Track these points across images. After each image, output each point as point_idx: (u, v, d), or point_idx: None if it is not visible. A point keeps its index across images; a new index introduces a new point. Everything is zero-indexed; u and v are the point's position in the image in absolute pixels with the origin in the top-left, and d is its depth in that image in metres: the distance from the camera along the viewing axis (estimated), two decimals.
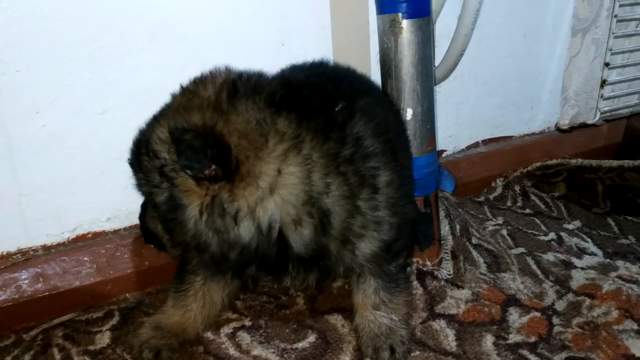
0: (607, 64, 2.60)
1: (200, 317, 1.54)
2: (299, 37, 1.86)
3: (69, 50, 1.56)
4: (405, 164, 1.51)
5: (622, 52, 2.64)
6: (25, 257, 1.66)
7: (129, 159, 1.31)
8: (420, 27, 1.61)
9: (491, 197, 2.36)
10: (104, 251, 1.74)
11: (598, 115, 2.67)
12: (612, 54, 2.59)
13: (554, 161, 2.29)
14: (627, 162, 2.04)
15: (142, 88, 1.66)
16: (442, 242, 1.84)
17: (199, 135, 1.15)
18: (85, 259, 1.71)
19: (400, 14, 1.59)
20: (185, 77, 1.69)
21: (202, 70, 1.60)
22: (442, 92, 2.25)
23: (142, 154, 1.26)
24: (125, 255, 1.75)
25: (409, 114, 1.67)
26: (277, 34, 1.84)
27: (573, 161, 2.21)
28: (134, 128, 1.63)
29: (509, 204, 2.33)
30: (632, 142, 2.68)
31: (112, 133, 1.66)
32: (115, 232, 1.80)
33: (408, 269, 1.73)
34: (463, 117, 2.38)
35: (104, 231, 1.79)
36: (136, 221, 1.77)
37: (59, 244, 1.72)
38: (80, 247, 1.73)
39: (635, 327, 1.59)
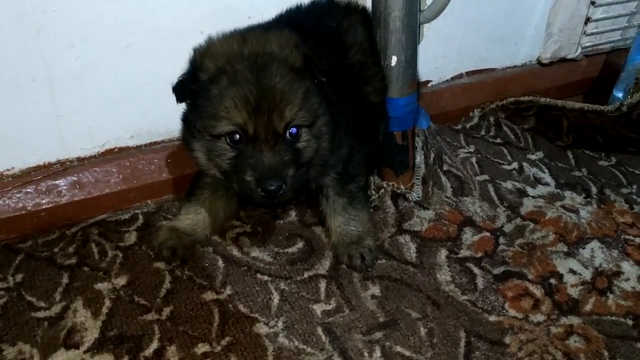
0: (593, 2, 2.70)
1: (208, 221, 1.84)
2: None
3: None
4: (349, 110, 1.79)
5: None
6: (63, 167, 1.95)
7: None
8: None
9: (468, 126, 2.55)
10: (128, 163, 2.01)
11: (579, 50, 2.80)
12: None
13: (526, 98, 2.49)
14: (586, 105, 2.24)
15: (159, 26, 1.86)
16: (415, 169, 2.12)
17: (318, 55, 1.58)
18: (113, 169, 1.99)
19: None
20: (198, 17, 1.92)
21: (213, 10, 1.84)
22: (432, 29, 2.39)
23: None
24: (146, 168, 2.03)
25: (393, 60, 1.88)
26: None
27: (542, 100, 2.40)
28: (154, 60, 1.89)
29: (482, 133, 2.52)
30: (608, 76, 2.83)
31: (135, 64, 1.89)
32: (138, 147, 2.06)
33: (371, 194, 2.05)
34: (450, 51, 2.52)
35: (128, 147, 2.04)
36: (155, 138, 2.05)
37: (91, 157, 1.99)
38: (108, 159, 2.01)
39: (565, 249, 1.91)
